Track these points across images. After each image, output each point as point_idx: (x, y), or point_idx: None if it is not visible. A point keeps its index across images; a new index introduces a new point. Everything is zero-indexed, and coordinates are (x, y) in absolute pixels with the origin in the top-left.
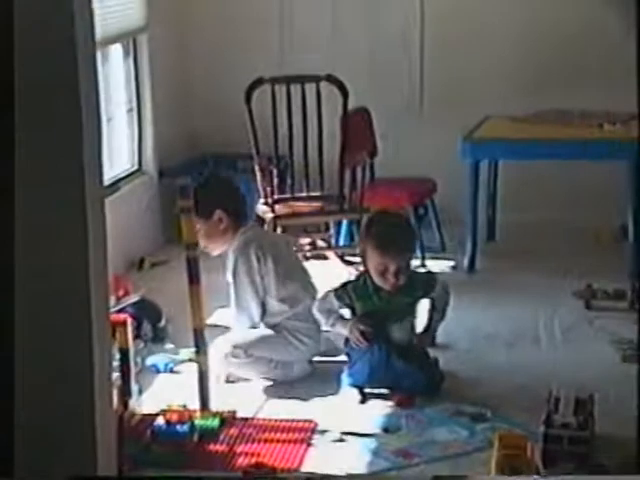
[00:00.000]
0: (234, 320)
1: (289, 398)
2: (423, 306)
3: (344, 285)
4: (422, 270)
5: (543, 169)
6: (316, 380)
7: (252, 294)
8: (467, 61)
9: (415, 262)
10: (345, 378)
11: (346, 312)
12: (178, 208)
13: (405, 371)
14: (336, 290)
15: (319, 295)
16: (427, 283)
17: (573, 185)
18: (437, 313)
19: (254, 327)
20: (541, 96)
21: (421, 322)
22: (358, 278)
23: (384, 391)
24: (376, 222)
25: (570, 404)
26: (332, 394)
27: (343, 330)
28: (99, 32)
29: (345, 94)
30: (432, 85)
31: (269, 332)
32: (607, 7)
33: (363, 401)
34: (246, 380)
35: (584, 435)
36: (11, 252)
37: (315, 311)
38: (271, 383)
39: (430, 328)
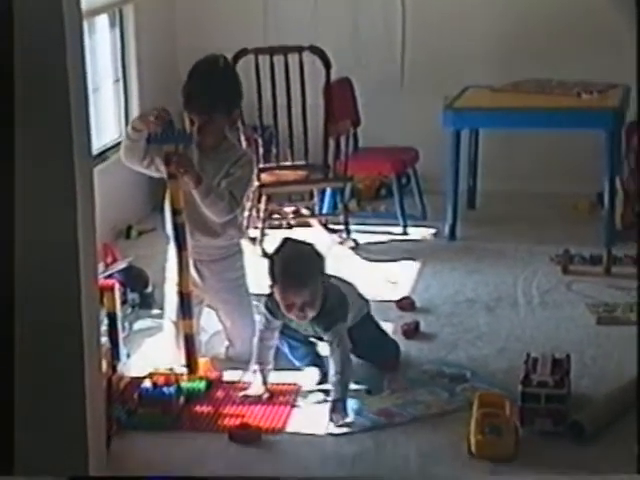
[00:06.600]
0: None
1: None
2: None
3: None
4: (334, 293)
5: (522, 138)
6: None
7: None
8: (447, 33)
9: (396, 229)
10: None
11: None
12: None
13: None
14: (267, 307)
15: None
16: (340, 308)
17: (552, 154)
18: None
19: None
20: (519, 68)
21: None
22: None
23: None
24: (278, 257)
25: (547, 364)
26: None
27: None
28: (85, 2)
29: (328, 64)
30: (413, 55)
31: None
32: None
33: (323, 381)
34: None
35: (561, 393)
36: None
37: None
38: None
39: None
